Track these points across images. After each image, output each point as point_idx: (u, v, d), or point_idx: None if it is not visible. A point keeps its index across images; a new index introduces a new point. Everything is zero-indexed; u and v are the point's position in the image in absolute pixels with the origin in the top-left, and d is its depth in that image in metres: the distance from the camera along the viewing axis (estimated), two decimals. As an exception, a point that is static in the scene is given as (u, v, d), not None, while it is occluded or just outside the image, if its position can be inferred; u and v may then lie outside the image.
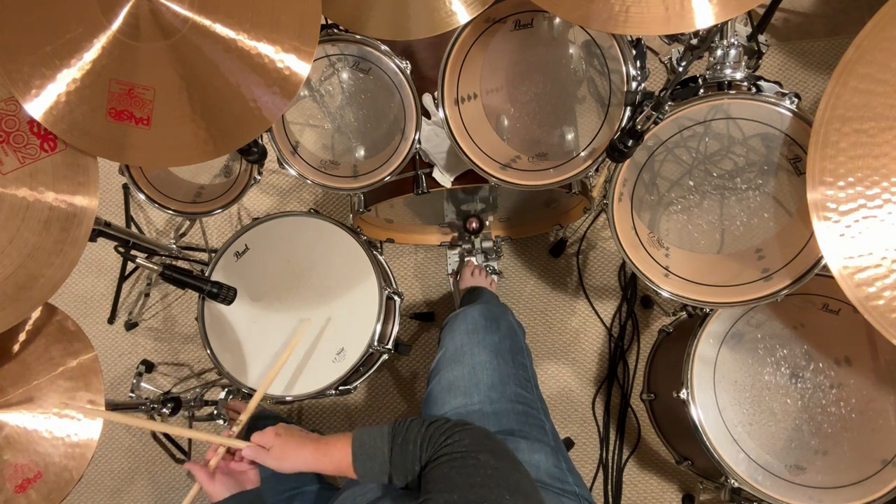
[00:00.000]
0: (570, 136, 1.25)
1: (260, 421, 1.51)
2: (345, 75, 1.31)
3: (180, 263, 1.36)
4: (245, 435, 0.94)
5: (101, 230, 1.11)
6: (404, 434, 0.83)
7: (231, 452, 0.95)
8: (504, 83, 1.22)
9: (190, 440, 1.83)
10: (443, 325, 1.32)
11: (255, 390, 1.30)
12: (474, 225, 1.74)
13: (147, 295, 2.05)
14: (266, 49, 0.91)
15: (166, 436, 1.76)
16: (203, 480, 0.90)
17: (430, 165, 1.32)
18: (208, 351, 1.33)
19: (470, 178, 1.31)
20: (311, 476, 1.32)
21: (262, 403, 1.35)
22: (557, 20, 1.17)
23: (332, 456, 0.87)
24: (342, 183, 1.31)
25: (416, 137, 1.22)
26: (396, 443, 0.82)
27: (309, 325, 1.32)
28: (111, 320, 2.05)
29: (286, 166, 1.29)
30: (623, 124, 1.07)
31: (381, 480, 0.83)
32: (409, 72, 1.19)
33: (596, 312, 1.92)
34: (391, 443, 0.83)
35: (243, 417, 0.99)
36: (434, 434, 0.80)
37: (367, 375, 1.51)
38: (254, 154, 1.18)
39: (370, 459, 0.83)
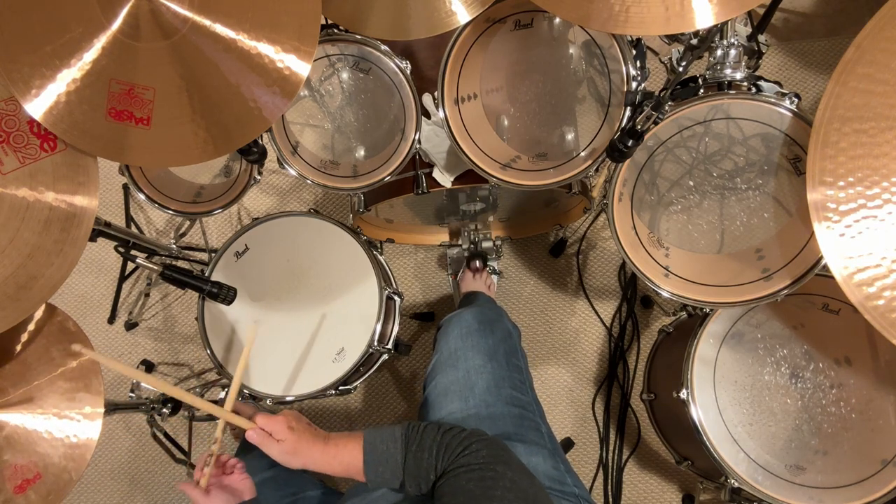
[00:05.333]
0: (570, 136, 1.25)
1: None
2: (345, 75, 1.31)
3: (180, 263, 1.36)
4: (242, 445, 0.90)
5: (101, 230, 1.11)
6: (419, 441, 0.81)
7: (221, 466, 0.93)
8: (504, 83, 1.22)
9: (190, 440, 1.83)
10: (437, 328, 1.32)
11: (255, 391, 1.30)
12: (478, 264, 1.75)
13: (147, 295, 2.05)
14: (266, 49, 0.91)
15: (166, 435, 1.76)
16: (198, 499, 0.87)
17: (430, 165, 1.32)
18: (208, 351, 1.33)
19: (470, 178, 1.31)
20: (312, 480, 1.32)
21: (263, 404, 1.35)
22: (557, 20, 1.17)
23: (342, 458, 0.84)
24: (342, 183, 1.31)
25: (416, 137, 1.22)
26: (411, 450, 0.81)
27: (256, 328, 1.30)
28: (111, 320, 2.05)
29: (286, 166, 1.29)
30: (623, 124, 1.07)
31: (391, 486, 0.82)
32: (409, 72, 1.19)
33: (596, 312, 1.92)
34: (405, 449, 0.81)
35: (218, 435, 0.93)
36: (451, 443, 0.79)
37: (367, 375, 1.51)
38: (254, 154, 1.18)
39: (382, 465, 0.82)
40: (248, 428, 0.87)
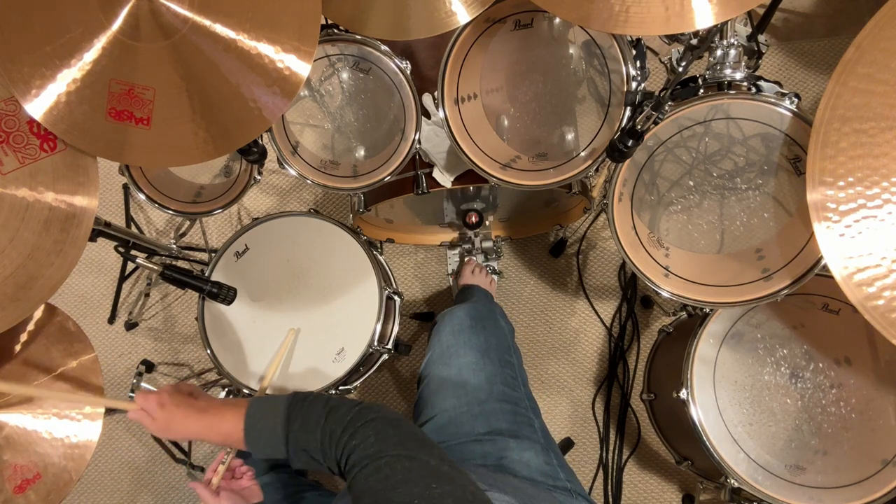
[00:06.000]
0: (570, 136, 1.25)
1: None
2: (345, 75, 1.31)
3: (180, 263, 1.36)
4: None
5: (101, 230, 1.11)
6: (302, 420, 0.80)
7: (231, 470, 0.95)
8: (504, 83, 1.22)
9: (190, 441, 1.83)
10: (431, 326, 1.32)
11: (254, 390, 1.30)
12: (474, 219, 1.73)
13: (147, 295, 2.05)
14: (266, 49, 0.91)
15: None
16: (207, 499, 0.89)
17: (430, 165, 1.32)
18: (208, 351, 1.32)
19: (470, 178, 1.31)
20: (309, 483, 1.32)
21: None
22: (557, 20, 1.17)
23: (221, 429, 0.85)
24: (342, 183, 1.31)
25: (416, 137, 1.22)
26: (293, 429, 0.80)
27: (295, 334, 1.30)
28: (111, 320, 2.05)
29: (286, 166, 1.29)
30: (623, 124, 1.07)
31: (277, 457, 0.82)
32: (409, 72, 1.19)
33: (596, 312, 1.92)
34: (286, 428, 0.80)
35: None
36: (335, 430, 0.77)
37: (366, 375, 1.51)
38: (254, 154, 1.18)
39: (263, 440, 0.82)
40: (128, 409, 0.91)
